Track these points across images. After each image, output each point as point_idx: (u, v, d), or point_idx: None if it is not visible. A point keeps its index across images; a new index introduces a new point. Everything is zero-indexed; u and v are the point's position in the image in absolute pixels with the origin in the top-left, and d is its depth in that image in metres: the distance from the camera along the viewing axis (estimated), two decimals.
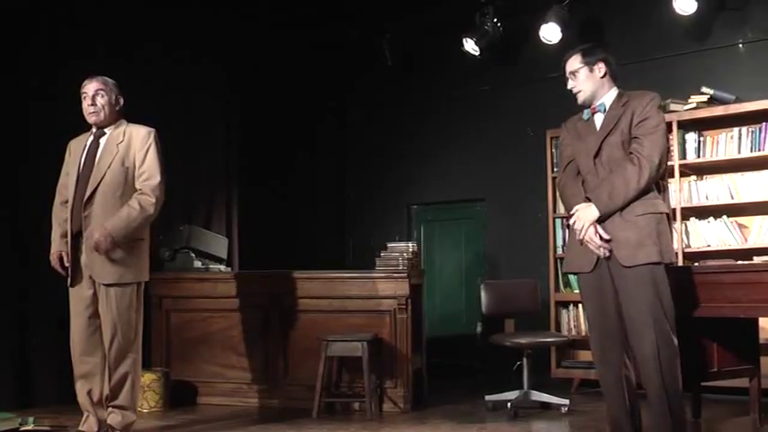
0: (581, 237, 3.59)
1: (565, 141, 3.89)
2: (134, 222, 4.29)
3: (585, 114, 3.75)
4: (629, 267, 3.49)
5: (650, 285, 3.46)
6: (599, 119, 3.70)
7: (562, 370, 6.38)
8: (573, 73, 3.74)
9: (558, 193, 6.51)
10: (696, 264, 5.71)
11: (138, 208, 4.30)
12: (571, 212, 3.68)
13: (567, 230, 6.51)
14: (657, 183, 3.58)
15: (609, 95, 3.71)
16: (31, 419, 4.75)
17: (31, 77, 5.59)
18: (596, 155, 3.64)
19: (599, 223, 3.55)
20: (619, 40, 6.64)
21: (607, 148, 3.61)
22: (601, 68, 3.69)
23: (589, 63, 3.70)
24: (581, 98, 3.75)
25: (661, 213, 3.55)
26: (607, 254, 3.55)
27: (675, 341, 3.47)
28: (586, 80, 3.71)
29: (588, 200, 3.61)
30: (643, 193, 3.51)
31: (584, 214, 3.58)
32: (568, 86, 3.78)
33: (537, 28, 6.68)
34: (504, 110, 7.24)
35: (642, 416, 3.70)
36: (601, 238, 3.54)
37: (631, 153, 3.53)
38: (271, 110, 7.74)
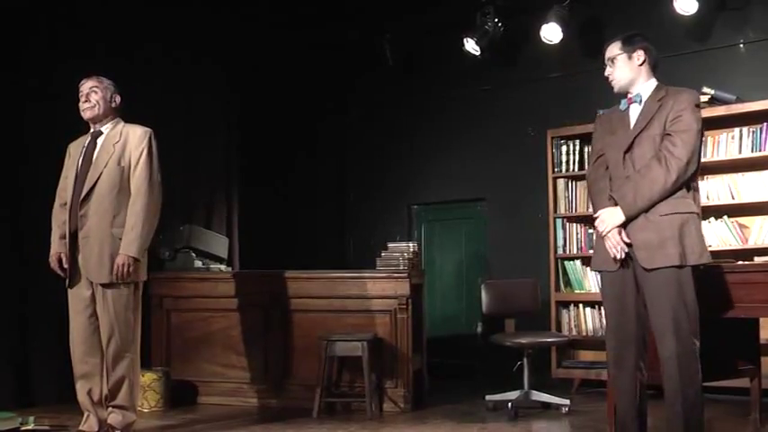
0: (603, 234, 3.54)
1: (596, 135, 3.83)
2: (150, 232, 4.38)
3: (623, 104, 3.67)
4: (651, 270, 3.44)
5: (674, 288, 3.40)
6: (634, 111, 3.62)
7: (562, 370, 6.37)
8: (611, 59, 3.66)
9: (558, 194, 6.55)
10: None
11: (142, 220, 4.34)
12: (596, 215, 3.62)
13: (566, 230, 6.54)
14: (687, 182, 3.48)
15: (647, 86, 3.62)
16: (31, 419, 4.76)
17: (31, 77, 5.59)
18: (627, 150, 3.56)
19: (625, 225, 3.50)
20: None
21: (639, 144, 3.53)
22: (640, 56, 3.61)
23: (628, 50, 3.62)
24: (616, 86, 3.68)
25: (689, 213, 3.46)
26: (622, 255, 3.49)
27: (696, 344, 3.42)
28: (623, 67, 3.63)
29: (613, 198, 3.55)
30: (670, 194, 3.44)
31: (610, 217, 3.53)
32: (605, 73, 3.71)
33: (537, 28, 6.67)
34: (505, 110, 7.23)
35: (650, 417, 3.68)
36: (622, 239, 3.50)
37: (661, 151, 3.46)
38: (271, 110, 7.74)
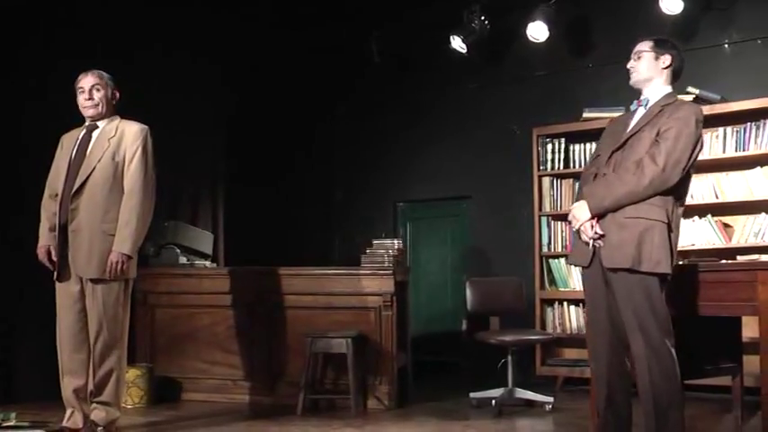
0: (575, 228, 3.61)
1: (601, 137, 3.89)
2: (143, 230, 4.37)
3: (633, 105, 3.73)
4: (614, 271, 3.49)
5: (638, 293, 3.43)
6: (639, 114, 3.66)
7: (546, 368, 6.41)
8: (638, 53, 3.70)
9: (543, 192, 6.58)
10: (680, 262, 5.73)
11: (135, 217, 4.33)
12: (570, 209, 3.68)
13: (551, 228, 6.56)
14: (669, 191, 3.47)
15: (659, 91, 3.65)
16: (12, 415, 4.72)
17: (30, 77, 5.57)
18: (617, 150, 3.61)
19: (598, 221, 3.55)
20: (605, 39, 6.67)
21: (630, 146, 3.57)
22: (666, 60, 3.65)
23: (657, 51, 3.66)
24: (633, 79, 3.71)
25: (656, 221, 3.45)
26: (601, 244, 3.53)
27: (668, 343, 3.43)
28: (647, 64, 3.66)
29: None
30: (641, 198, 3.45)
31: (579, 212, 3.58)
32: (628, 65, 3.73)
33: (524, 26, 6.69)
34: (491, 108, 7.24)
35: (633, 415, 3.71)
36: (596, 231, 3.53)
37: (645, 156, 3.47)
38: (259, 107, 7.71)
